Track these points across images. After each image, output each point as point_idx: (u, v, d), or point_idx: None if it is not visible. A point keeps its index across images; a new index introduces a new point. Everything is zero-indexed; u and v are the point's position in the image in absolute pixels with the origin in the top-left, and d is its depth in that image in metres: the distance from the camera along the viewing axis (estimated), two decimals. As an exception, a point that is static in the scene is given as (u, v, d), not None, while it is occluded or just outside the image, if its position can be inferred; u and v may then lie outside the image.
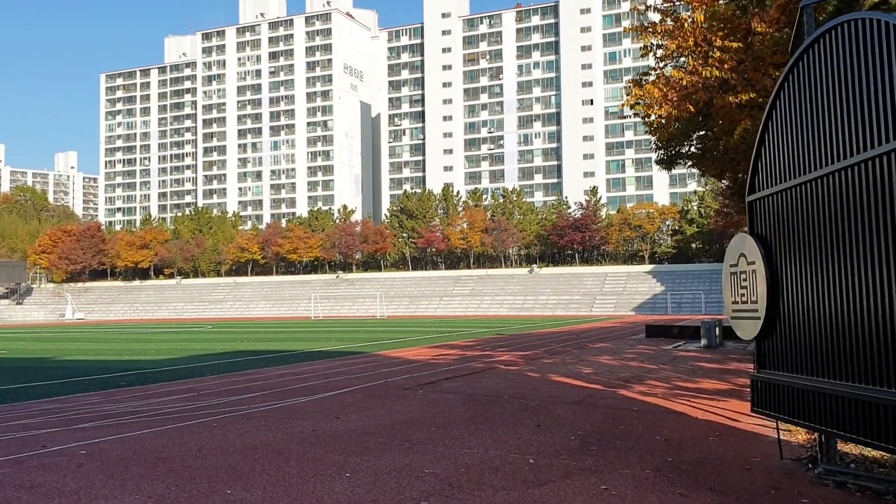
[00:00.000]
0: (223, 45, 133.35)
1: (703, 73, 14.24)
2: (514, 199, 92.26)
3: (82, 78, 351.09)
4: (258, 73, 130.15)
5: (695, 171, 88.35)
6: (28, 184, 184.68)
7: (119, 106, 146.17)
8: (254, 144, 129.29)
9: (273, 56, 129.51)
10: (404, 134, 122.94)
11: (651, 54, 16.36)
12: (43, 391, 14.32)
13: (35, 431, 8.58)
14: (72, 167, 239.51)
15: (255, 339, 33.08)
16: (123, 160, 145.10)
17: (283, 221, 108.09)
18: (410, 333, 35.20)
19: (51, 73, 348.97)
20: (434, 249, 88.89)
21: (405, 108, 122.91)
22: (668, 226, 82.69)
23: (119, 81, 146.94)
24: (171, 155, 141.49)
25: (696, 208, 79.32)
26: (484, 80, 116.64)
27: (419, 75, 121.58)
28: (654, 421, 9.46)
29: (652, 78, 16.18)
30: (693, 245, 79.41)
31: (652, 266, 78.20)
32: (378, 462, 6.86)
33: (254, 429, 8.35)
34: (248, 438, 7.76)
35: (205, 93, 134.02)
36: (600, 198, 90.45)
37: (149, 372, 18.27)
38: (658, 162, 22.03)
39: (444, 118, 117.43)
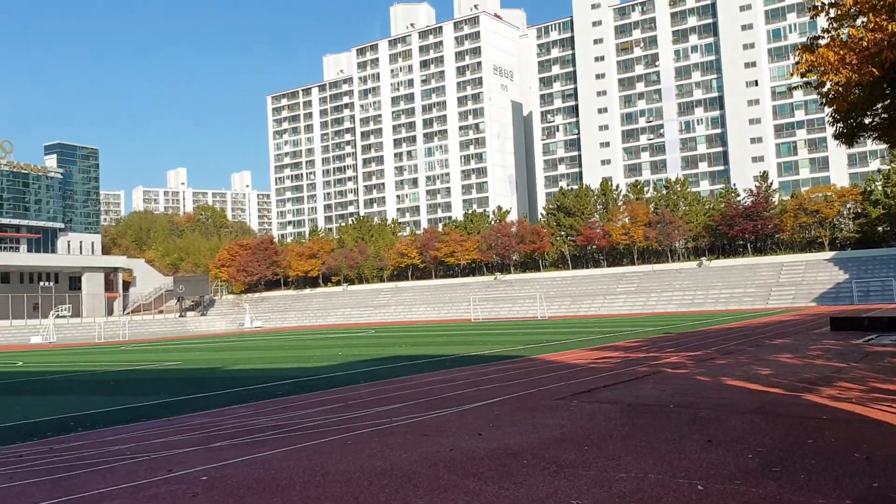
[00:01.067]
0: (376, 59, 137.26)
1: (890, 27, 12.30)
2: (678, 189, 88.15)
3: (251, 100, 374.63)
4: (410, 82, 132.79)
5: (879, 146, 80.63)
6: (209, 203, 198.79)
7: (285, 125, 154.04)
8: (409, 152, 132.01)
9: (424, 64, 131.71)
10: (558, 130, 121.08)
11: (823, 15, 14.45)
12: (201, 404, 14.54)
13: (171, 451, 8.39)
14: (247, 185, 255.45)
15: (414, 343, 33.10)
16: (291, 176, 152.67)
17: (440, 226, 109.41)
18: (571, 335, 33.97)
19: (223, 98, 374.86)
20: (594, 246, 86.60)
21: (557, 103, 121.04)
22: (850, 209, 75.92)
23: (283, 102, 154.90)
24: (333, 168, 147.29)
25: (880, 188, 72.28)
26: (639, 69, 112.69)
27: (570, 69, 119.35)
28: (850, 433, 7.97)
29: (825, 41, 14.26)
30: (879, 228, 72.43)
31: (833, 253, 72.02)
32: (518, 490, 5.98)
33: (387, 448, 7.70)
34: (379, 460, 7.11)
35: (361, 106, 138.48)
36: (771, 183, 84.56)
37: (306, 380, 18.34)
38: (836, 137, 19.61)
39: (599, 110, 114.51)
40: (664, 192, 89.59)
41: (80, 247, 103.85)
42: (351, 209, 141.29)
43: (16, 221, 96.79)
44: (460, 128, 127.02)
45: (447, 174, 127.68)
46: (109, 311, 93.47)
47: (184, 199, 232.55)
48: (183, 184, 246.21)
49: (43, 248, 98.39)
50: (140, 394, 17.61)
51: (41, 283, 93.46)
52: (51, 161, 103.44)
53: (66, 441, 10.28)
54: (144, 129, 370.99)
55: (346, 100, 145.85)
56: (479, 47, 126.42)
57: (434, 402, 11.86)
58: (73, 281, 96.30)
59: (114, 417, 13.06)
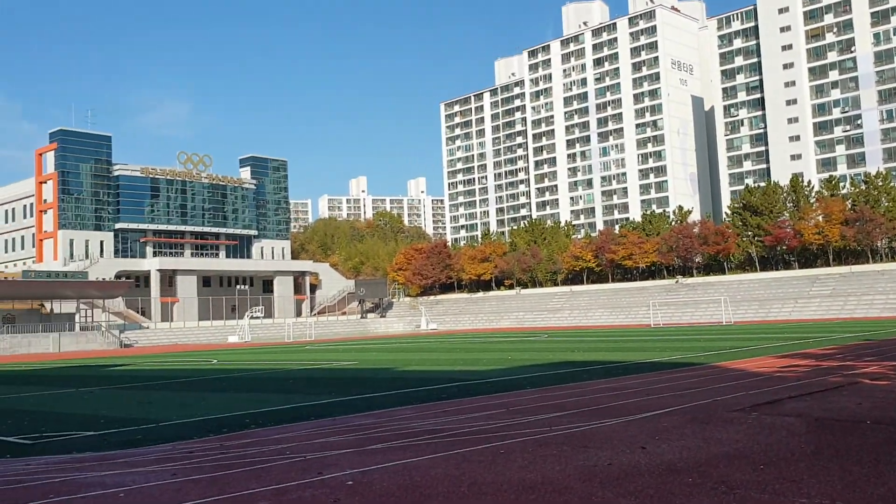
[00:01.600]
0: (548, 60, 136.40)
1: None
2: (880, 184, 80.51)
3: (426, 107, 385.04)
4: (583, 81, 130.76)
5: None
6: (386, 209, 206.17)
7: (457, 131, 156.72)
8: (582, 153, 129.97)
9: (597, 62, 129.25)
10: (742, 125, 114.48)
11: None
12: (367, 404, 14.74)
13: (327, 453, 8.41)
14: (422, 191, 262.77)
15: (586, 349, 32.26)
16: (464, 181, 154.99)
17: (616, 227, 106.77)
18: (757, 341, 31.75)
19: (400, 107, 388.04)
20: (784, 247, 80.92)
21: (741, 96, 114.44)
22: None
23: (456, 108, 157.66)
24: (505, 171, 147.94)
25: None
26: (832, 56, 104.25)
27: (755, 60, 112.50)
28: None
29: None
30: None
31: None
32: (680, 514, 5.37)
33: (540, 459, 7.27)
34: (530, 472, 6.69)
35: (533, 108, 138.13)
36: None
37: (472, 384, 18.22)
38: None
39: (788, 102, 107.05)
40: (863, 187, 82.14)
41: (272, 252, 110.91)
42: (523, 212, 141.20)
43: (216, 230, 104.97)
44: (637, 126, 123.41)
45: (623, 174, 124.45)
46: (298, 313, 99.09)
47: (364, 206, 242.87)
48: (363, 191, 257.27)
49: (239, 254, 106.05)
50: (314, 392, 18.22)
51: (238, 287, 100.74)
52: (245, 173, 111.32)
53: (238, 438, 10.66)
54: (329, 140, 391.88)
55: (517, 103, 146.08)
56: (656, 42, 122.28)
57: (598, 412, 11.25)
58: (266, 284, 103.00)
59: (286, 416, 13.50)
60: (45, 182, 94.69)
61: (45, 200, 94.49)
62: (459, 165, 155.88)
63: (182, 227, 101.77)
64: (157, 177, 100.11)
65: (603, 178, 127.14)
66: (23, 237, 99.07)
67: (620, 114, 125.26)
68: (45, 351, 65.78)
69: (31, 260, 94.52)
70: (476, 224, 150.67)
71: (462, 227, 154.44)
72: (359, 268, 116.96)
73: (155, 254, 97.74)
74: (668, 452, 7.41)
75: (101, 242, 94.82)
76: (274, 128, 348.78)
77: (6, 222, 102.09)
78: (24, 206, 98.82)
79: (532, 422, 10.26)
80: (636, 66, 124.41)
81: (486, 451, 7.86)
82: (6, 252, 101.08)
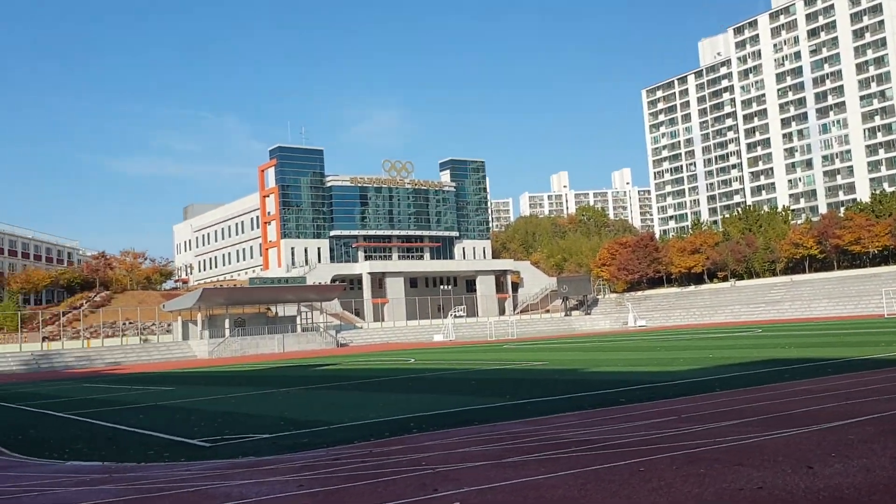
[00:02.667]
0: (756, 36, 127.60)
1: None
2: None
3: (625, 95, 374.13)
4: (797, 55, 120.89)
5: None
6: (590, 204, 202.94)
7: (661, 118, 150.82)
8: (799, 132, 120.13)
9: (812, 33, 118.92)
10: None
11: None
12: (535, 409, 14.18)
13: (459, 465, 7.98)
14: (627, 182, 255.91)
15: (800, 345, 29.42)
16: (670, 169, 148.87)
17: (841, 210, 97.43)
18: None
19: (599, 99, 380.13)
20: None
21: None
22: None
23: (658, 94, 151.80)
24: (714, 157, 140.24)
25: None
26: None
27: None
28: None
29: None
30: None
31: None
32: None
33: (680, 480, 6.35)
34: (661, 496, 5.83)
35: (742, 87, 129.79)
36: None
37: (658, 386, 17.06)
38: None
39: None
40: None
41: (473, 252, 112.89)
42: (736, 199, 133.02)
43: (420, 233, 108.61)
44: (861, 98, 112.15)
45: (847, 151, 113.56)
46: (501, 311, 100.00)
47: (566, 201, 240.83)
48: (565, 186, 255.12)
49: (442, 256, 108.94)
50: (490, 394, 17.91)
51: (442, 287, 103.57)
52: (445, 176, 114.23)
53: (390, 444, 10.54)
54: (528, 137, 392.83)
55: (724, 83, 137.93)
56: (880, 4, 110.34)
57: (780, 419, 9.92)
58: (469, 283, 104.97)
59: (450, 420, 13.27)
60: (268, 196, 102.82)
61: (269, 213, 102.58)
62: (665, 153, 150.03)
63: (389, 232, 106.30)
64: (364, 185, 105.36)
65: (824, 157, 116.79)
66: (251, 247, 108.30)
67: (841, 86, 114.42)
68: (271, 351, 71.27)
69: (259, 268, 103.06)
70: (685, 214, 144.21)
71: (671, 217, 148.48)
72: (561, 265, 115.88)
73: (366, 258, 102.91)
74: (840, 475, 6.21)
75: (319, 249, 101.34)
76: (472, 129, 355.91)
77: (237, 234, 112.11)
78: (252, 218, 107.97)
79: (697, 432, 9.22)
80: (857, 34, 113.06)
81: (624, 468, 7.06)
82: (238, 261, 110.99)
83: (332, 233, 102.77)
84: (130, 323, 78.63)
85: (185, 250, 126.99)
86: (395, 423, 13.30)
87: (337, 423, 14.11)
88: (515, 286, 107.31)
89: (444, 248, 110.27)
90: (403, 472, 7.66)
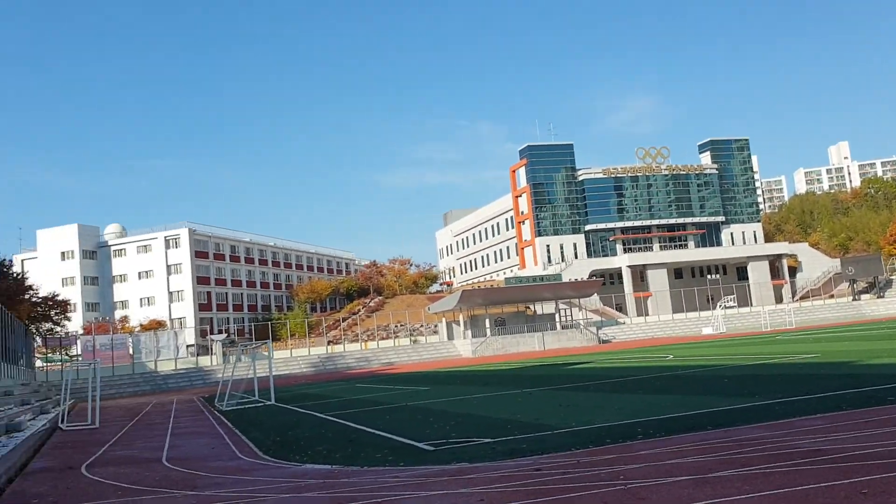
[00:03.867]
0: None
1: None
2: None
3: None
4: None
5: None
6: (877, 175, 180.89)
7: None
8: None
9: None
10: None
11: None
12: (782, 410, 12.58)
13: (656, 480, 7.12)
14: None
15: None
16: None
17: None
18: None
19: (878, 44, 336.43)
20: None
21: None
22: None
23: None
24: None
25: None
26: None
27: None
28: None
29: None
30: None
31: None
32: None
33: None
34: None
35: None
36: None
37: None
38: None
39: None
40: None
41: (743, 237, 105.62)
42: None
43: (681, 220, 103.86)
44: None
45: None
46: (778, 299, 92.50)
47: (848, 174, 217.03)
48: (846, 158, 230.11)
49: (708, 243, 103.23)
50: (738, 395, 16.30)
51: (709, 276, 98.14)
52: (705, 158, 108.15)
53: (601, 453, 9.85)
54: (797, 107, 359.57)
55: None
56: None
57: None
58: (739, 271, 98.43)
59: (679, 425, 12.19)
60: (520, 195, 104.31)
61: (522, 212, 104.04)
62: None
63: (648, 222, 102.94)
64: (618, 175, 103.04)
65: None
66: (507, 247, 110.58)
67: None
68: (531, 349, 72.11)
69: (516, 267, 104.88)
70: None
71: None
72: (845, 244, 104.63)
73: (625, 250, 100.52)
74: None
75: (574, 245, 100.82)
76: (733, 106, 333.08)
77: (493, 236, 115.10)
78: (506, 219, 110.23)
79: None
80: None
81: (842, 488, 5.83)
82: (496, 262, 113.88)
83: (588, 227, 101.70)
84: (401, 325, 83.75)
85: (448, 254, 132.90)
86: (621, 429, 12.50)
87: (563, 427, 13.59)
88: (793, 271, 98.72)
89: (709, 235, 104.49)
90: (592, 489, 7.01)
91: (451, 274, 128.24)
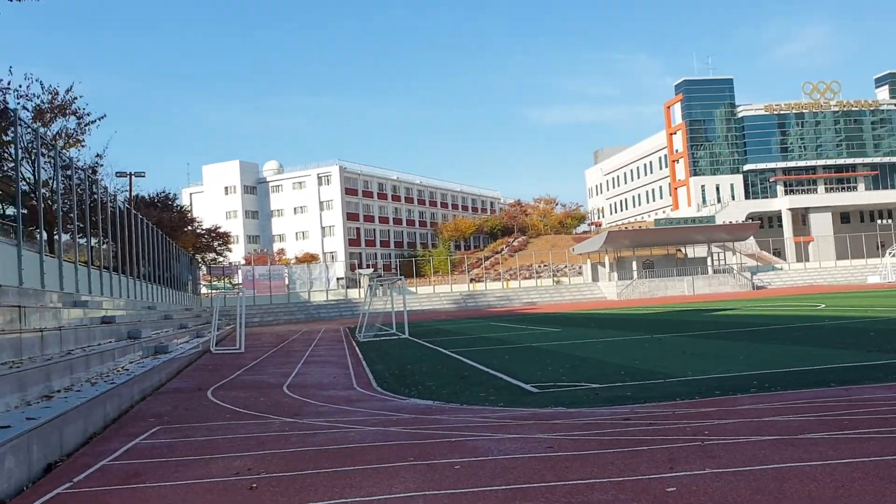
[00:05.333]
0: None
1: None
2: None
3: None
4: None
5: None
6: None
7: None
8: None
9: None
10: None
11: None
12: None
13: (736, 438, 6.64)
14: None
15: None
16: None
17: None
18: None
19: None
20: None
21: None
22: None
23: None
24: None
25: None
26: None
27: None
28: None
29: None
30: None
31: None
32: None
33: None
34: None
35: None
36: None
37: None
38: None
39: None
40: None
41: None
42: None
43: (851, 161, 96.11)
44: None
45: None
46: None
47: None
48: None
49: (881, 185, 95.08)
50: (880, 350, 14.99)
51: (880, 221, 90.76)
52: (882, 93, 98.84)
53: (701, 405, 9.37)
54: None
55: None
56: None
57: None
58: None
59: (800, 379, 11.39)
60: (675, 133, 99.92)
61: (676, 150, 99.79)
62: None
63: (813, 162, 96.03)
64: (782, 112, 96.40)
65: None
66: (660, 187, 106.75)
67: None
68: (680, 293, 69.93)
69: (668, 208, 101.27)
70: None
71: None
72: None
73: (786, 192, 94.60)
74: None
75: (731, 185, 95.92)
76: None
77: (645, 175, 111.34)
78: (659, 157, 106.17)
79: None
80: None
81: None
82: (647, 202, 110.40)
83: (746, 167, 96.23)
84: (545, 265, 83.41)
85: (597, 194, 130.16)
86: (735, 380, 11.84)
87: (677, 375, 13.07)
88: None
89: (883, 177, 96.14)
90: (665, 443, 6.67)
91: (600, 214, 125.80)
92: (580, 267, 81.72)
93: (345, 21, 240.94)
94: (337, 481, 6.05)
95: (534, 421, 8.77)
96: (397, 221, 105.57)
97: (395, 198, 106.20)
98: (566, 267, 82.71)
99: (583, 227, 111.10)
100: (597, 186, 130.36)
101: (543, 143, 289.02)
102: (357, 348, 25.44)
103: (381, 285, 36.85)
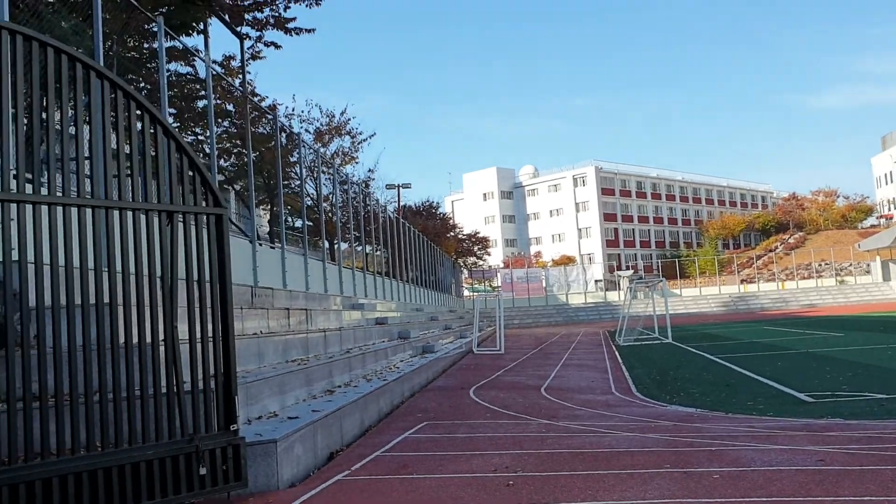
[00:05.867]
0: None
1: None
2: None
3: None
4: None
5: None
6: None
7: None
8: None
9: None
10: None
11: None
12: None
13: None
14: None
15: None
16: None
17: None
18: None
19: None
20: None
21: None
22: None
23: None
24: None
25: None
26: None
27: None
28: None
29: None
30: None
31: None
32: None
33: None
34: None
35: None
36: None
37: None
38: None
39: None
40: None
41: None
42: None
43: None
44: None
45: None
46: None
47: None
48: None
49: None
50: None
51: None
52: None
53: None
54: None
55: None
56: None
57: None
58: None
59: None
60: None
61: None
62: None
63: None
64: None
65: None
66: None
67: None
68: None
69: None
70: None
71: None
72: None
73: None
74: None
75: None
76: None
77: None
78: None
79: None
80: None
81: None
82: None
83: None
84: (825, 264, 76.48)
85: (886, 184, 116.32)
86: None
87: None
88: None
89: None
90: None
91: (891, 206, 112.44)
92: (867, 265, 73.71)
93: (592, 21, 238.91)
94: (591, 483, 6.06)
95: (805, 432, 8.12)
96: (658, 220, 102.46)
97: (655, 196, 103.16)
98: (851, 265, 75.10)
99: (870, 221, 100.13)
100: (886, 175, 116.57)
101: (820, 131, 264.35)
102: (616, 352, 25.10)
103: (642, 287, 36.04)
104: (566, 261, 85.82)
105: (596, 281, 77.01)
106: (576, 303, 70.20)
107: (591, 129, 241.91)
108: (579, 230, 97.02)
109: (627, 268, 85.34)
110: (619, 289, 71.51)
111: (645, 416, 10.54)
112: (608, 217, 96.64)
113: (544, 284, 72.13)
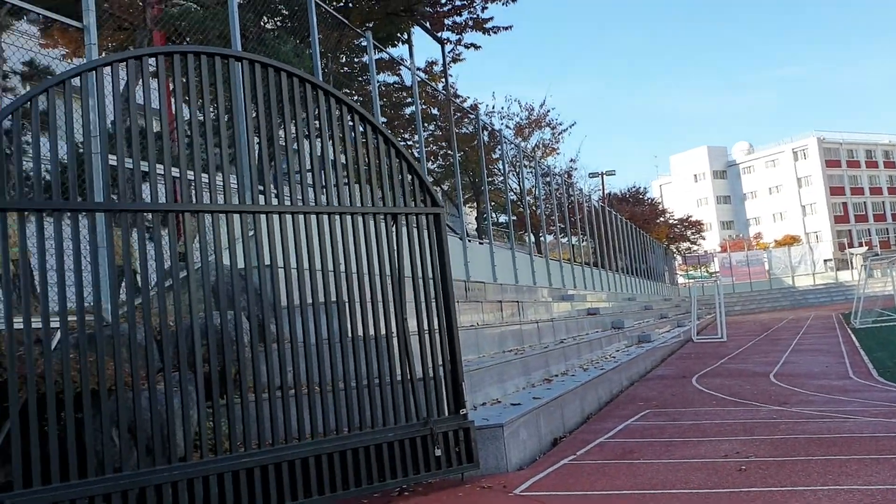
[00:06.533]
0: None
1: None
2: None
3: None
4: None
5: None
6: None
7: None
8: None
9: None
10: None
11: None
12: None
13: None
14: None
15: None
16: None
17: None
18: None
19: None
20: None
21: None
22: None
23: None
24: None
25: None
26: None
27: None
28: None
29: None
30: None
31: None
32: None
33: None
34: None
35: None
36: None
37: None
38: None
39: None
40: None
41: None
42: None
43: None
44: None
45: None
46: None
47: None
48: None
49: None
50: None
51: None
52: None
53: None
54: None
55: None
56: None
57: None
58: None
59: None
60: None
61: None
62: None
63: None
64: None
65: None
66: None
67: None
68: None
69: None
70: None
71: None
72: None
73: None
74: None
75: None
76: None
77: None
78: None
79: None
80: None
81: None
82: None
83: None
84: None
85: None
86: None
87: None
88: None
89: None
90: None
91: None
92: None
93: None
94: (830, 468, 5.76)
95: None
96: (892, 191, 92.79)
97: (888, 164, 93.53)
98: None
99: None
100: None
101: None
102: (852, 335, 23.24)
103: (879, 265, 33.01)
104: (790, 241, 79.98)
105: (825, 261, 71.28)
106: (803, 285, 65.38)
107: (805, 99, 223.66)
108: (802, 207, 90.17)
109: (860, 244, 78.07)
110: (852, 268, 65.58)
111: (889, 401, 9.75)
112: (835, 191, 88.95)
113: (767, 267, 67.85)
